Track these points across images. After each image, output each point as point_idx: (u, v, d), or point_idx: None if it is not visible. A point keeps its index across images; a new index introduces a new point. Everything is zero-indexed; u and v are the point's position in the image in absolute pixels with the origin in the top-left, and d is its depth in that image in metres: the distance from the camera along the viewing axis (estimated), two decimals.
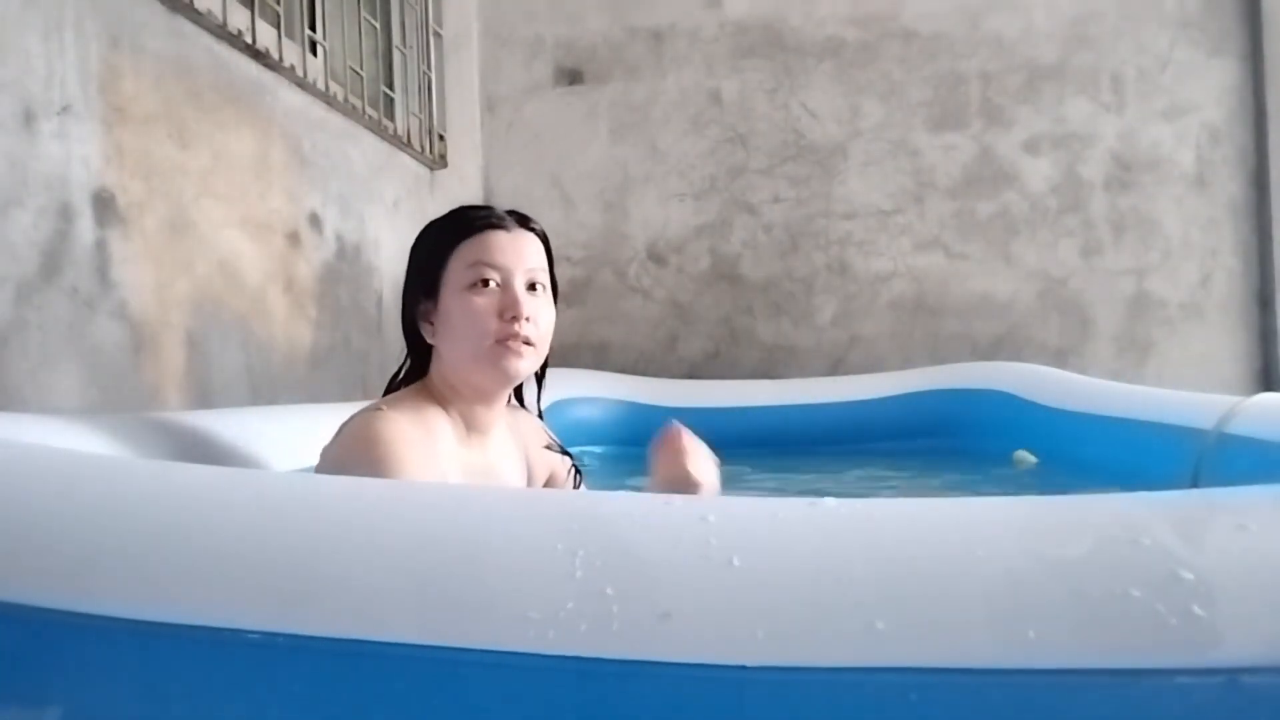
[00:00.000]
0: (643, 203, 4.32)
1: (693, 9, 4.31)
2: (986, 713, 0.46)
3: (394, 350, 3.26)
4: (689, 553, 0.52)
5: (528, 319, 1.24)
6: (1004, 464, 2.89)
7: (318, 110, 2.79)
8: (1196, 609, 0.47)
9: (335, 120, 2.90)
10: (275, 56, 2.49)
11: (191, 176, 2.14)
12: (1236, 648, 0.46)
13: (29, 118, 1.66)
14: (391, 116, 3.39)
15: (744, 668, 0.47)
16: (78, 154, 1.78)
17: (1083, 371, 3.80)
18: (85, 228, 1.79)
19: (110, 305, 1.86)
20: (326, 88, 2.84)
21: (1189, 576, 0.48)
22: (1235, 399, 2.06)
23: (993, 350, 4.15)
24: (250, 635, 0.51)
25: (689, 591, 0.50)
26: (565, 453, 1.51)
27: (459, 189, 4.03)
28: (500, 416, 1.37)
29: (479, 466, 1.32)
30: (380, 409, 1.23)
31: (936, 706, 0.46)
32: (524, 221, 1.32)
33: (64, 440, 1.14)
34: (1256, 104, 4.03)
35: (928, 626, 0.48)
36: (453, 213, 1.33)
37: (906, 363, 4.11)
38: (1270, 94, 3.96)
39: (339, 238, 2.89)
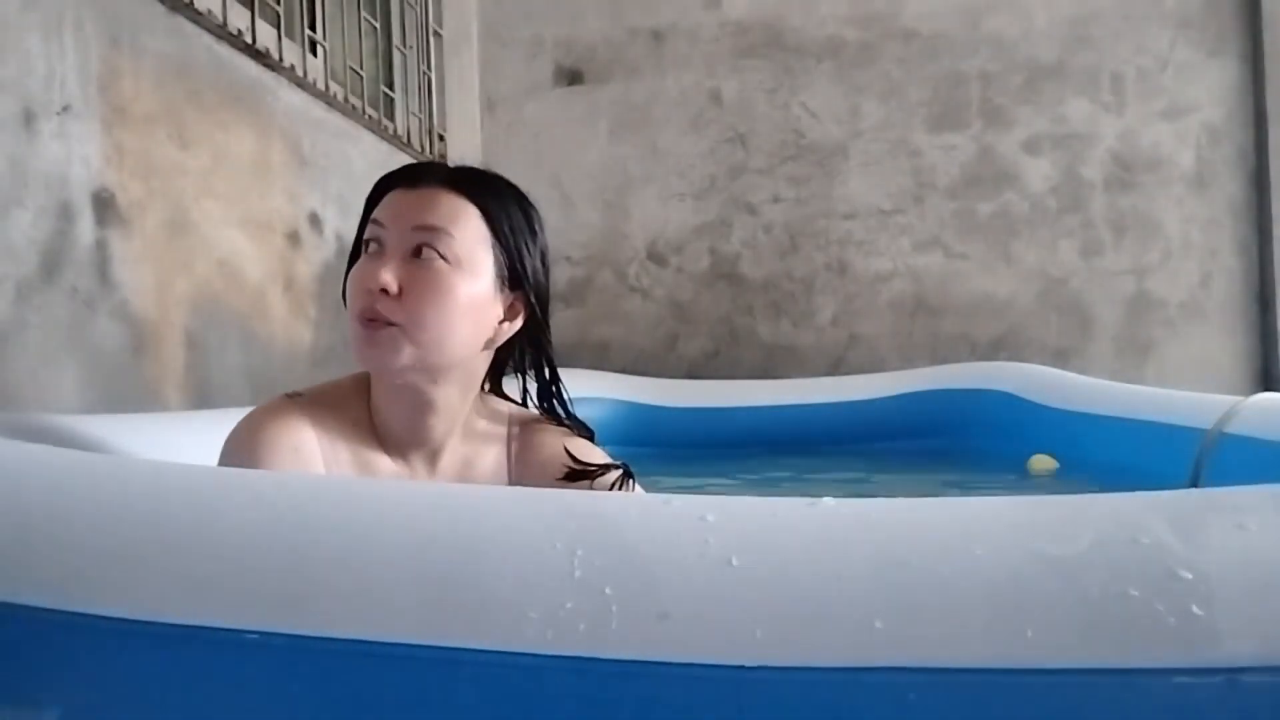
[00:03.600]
0: (643, 203, 4.32)
1: (693, 9, 4.31)
2: (985, 712, 0.46)
3: None
4: (688, 552, 0.52)
5: (385, 290, 0.96)
6: (1003, 464, 2.89)
7: (318, 110, 2.79)
8: (1195, 608, 0.47)
9: (335, 120, 2.90)
10: (275, 56, 2.49)
11: (191, 176, 2.14)
12: (1235, 647, 0.46)
13: (29, 118, 1.66)
14: (391, 116, 3.39)
15: (742, 667, 0.47)
16: (78, 154, 1.78)
17: (1083, 371, 3.79)
18: (85, 227, 1.79)
19: (110, 305, 1.86)
20: (326, 88, 2.84)
21: (1188, 576, 0.48)
22: (1235, 399, 2.06)
23: (993, 350, 4.15)
24: (249, 635, 0.51)
25: (688, 591, 0.50)
26: (601, 470, 1.10)
27: None
28: (454, 428, 1.08)
29: None
30: (281, 400, 1.07)
31: (935, 706, 0.46)
32: (453, 177, 1.04)
33: (64, 440, 1.14)
34: (1256, 104, 4.03)
35: (926, 626, 0.48)
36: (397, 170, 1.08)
37: (906, 363, 4.11)
38: (1270, 94, 3.96)
39: (339, 238, 2.89)
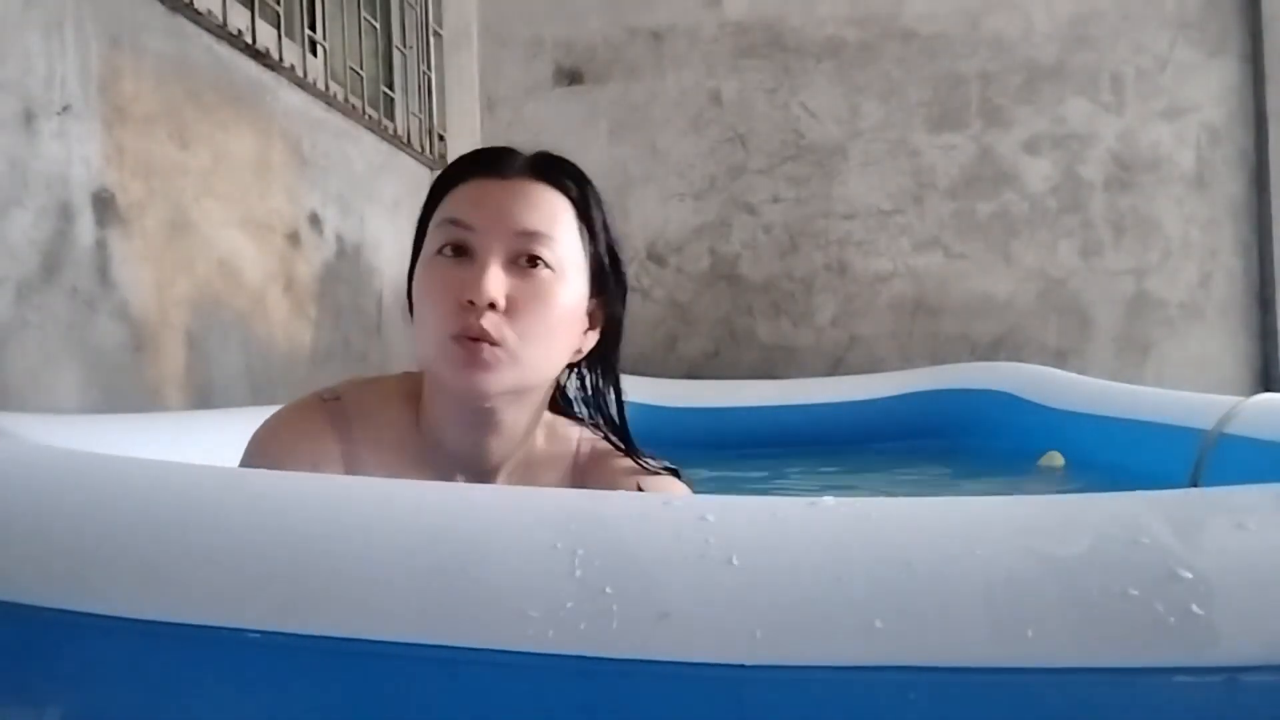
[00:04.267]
0: (642, 203, 4.32)
1: (693, 9, 4.31)
2: (985, 712, 0.46)
3: (394, 350, 3.27)
4: (688, 552, 0.52)
5: (493, 306, 0.84)
6: (1004, 464, 2.89)
7: (318, 110, 2.79)
8: (1195, 608, 0.47)
9: (335, 120, 2.90)
10: (275, 56, 2.49)
11: (191, 176, 2.14)
12: (1235, 646, 0.46)
13: (29, 118, 1.66)
14: (391, 116, 3.39)
15: (743, 666, 0.47)
16: (78, 154, 1.78)
17: (1082, 372, 3.80)
18: (85, 228, 1.79)
19: (110, 305, 1.86)
20: (326, 88, 2.84)
21: (1188, 575, 0.48)
22: (1235, 399, 2.06)
23: (992, 350, 4.15)
24: (250, 634, 0.51)
25: (688, 590, 0.50)
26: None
27: None
28: (515, 452, 0.95)
29: None
30: (311, 398, 0.95)
31: (935, 705, 0.46)
32: (540, 166, 0.92)
33: (64, 440, 1.14)
34: (1256, 104, 4.03)
35: (926, 625, 0.48)
36: (466, 156, 0.95)
37: (906, 363, 4.12)
38: (1270, 94, 3.96)
39: (339, 238, 2.89)
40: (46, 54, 1.70)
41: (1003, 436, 3.15)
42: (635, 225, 4.32)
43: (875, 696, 0.47)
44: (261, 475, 0.68)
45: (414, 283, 0.92)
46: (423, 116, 3.63)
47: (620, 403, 0.99)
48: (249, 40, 2.34)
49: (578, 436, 1.01)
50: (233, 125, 2.34)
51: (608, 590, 0.50)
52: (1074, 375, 3.45)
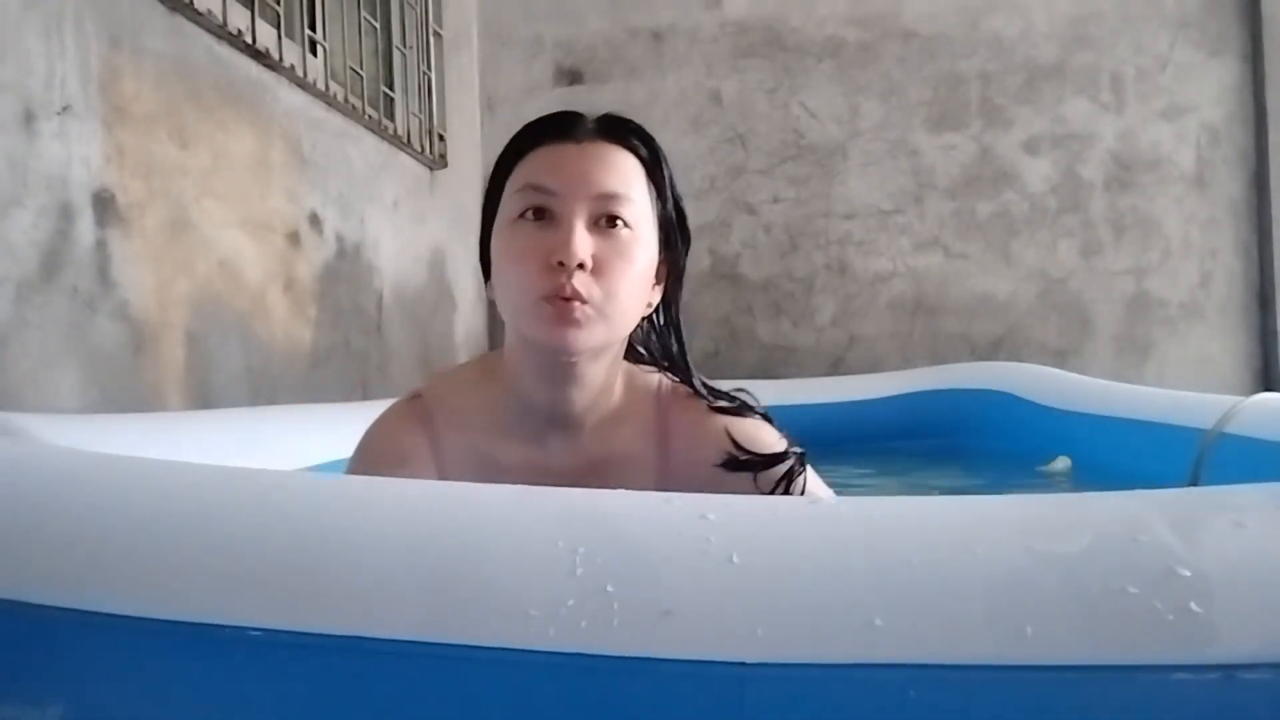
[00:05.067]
0: None
1: (693, 9, 4.31)
2: (985, 709, 0.46)
3: (394, 350, 3.27)
4: (689, 550, 0.52)
5: (581, 266, 0.87)
6: (1004, 463, 2.89)
7: (318, 110, 2.79)
8: (1194, 605, 0.47)
9: (335, 120, 2.90)
10: (275, 56, 2.49)
11: (191, 176, 2.14)
12: (1234, 644, 0.46)
13: (29, 118, 1.66)
14: (391, 116, 3.39)
15: (743, 664, 0.47)
16: (78, 154, 1.78)
17: (1083, 371, 3.80)
18: (85, 228, 1.79)
19: (110, 305, 1.86)
20: (326, 88, 2.84)
21: (1186, 573, 0.49)
22: (1235, 399, 2.06)
23: (992, 350, 4.15)
24: (251, 632, 0.52)
25: (689, 589, 0.50)
26: (770, 461, 0.98)
27: (459, 189, 4.04)
28: (598, 403, 0.98)
29: (547, 470, 0.96)
30: (404, 400, 1.02)
31: (935, 703, 0.46)
32: (611, 129, 0.95)
33: (64, 440, 1.14)
34: (1256, 104, 4.03)
35: (926, 623, 0.48)
36: (528, 123, 0.97)
37: (906, 363, 4.12)
38: (1270, 94, 3.97)
39: (339, 238, 2.90)
40: (46, 54, 1.70)
41: (1003, 436, 3.16)
42: None
43: (876, 694, 0.47)
44: (261, 475, 0.68)
45: (494, 248, 0.95)
46: (423, 116, 3.63)
47: (684, 349, 1.03)
48: (249, 40, 2.35)
49: (656, 383, 1.04)
50: (233, 125, 2.34)
51: (609, 588, 0.50)
52: (1074, 375, 3.45)
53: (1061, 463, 2.56)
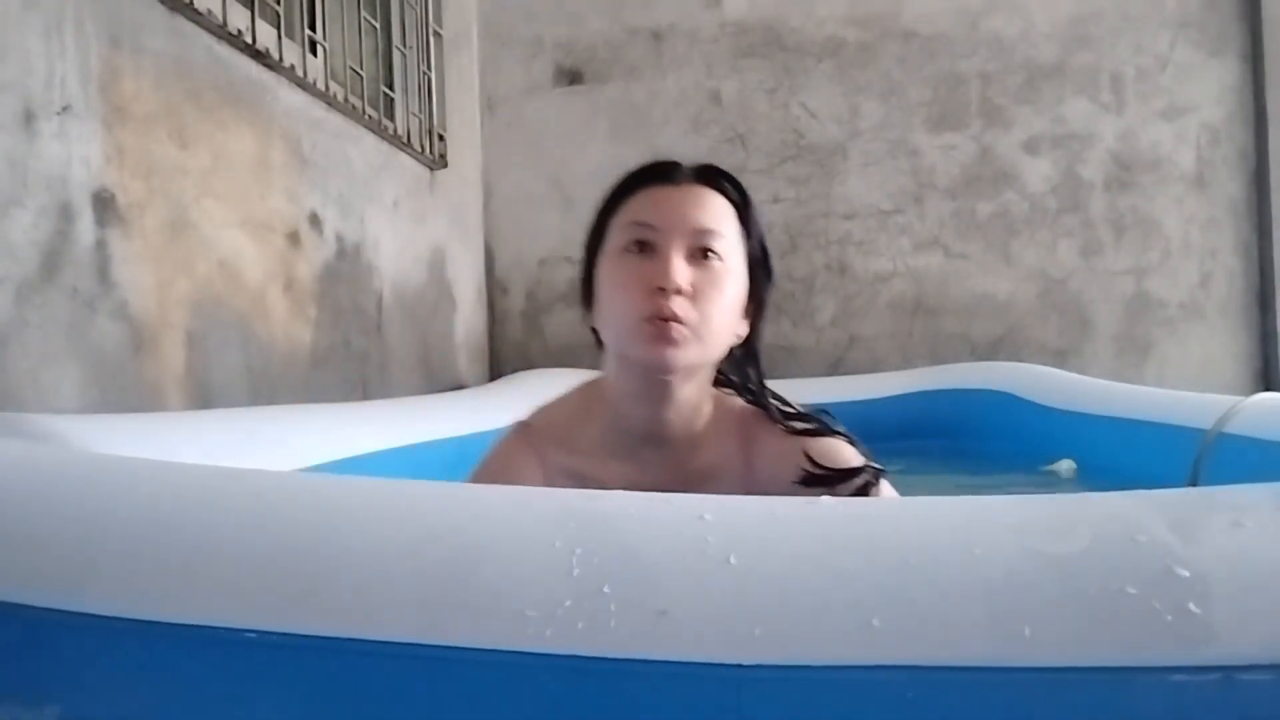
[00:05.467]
0: None
1: (693, 9, 4.31)
2: (983, 711, 0.46)
3: (393, 350, 3.27)
4: (686, 551, 0.52)
5: (680, 291, 0.97)
6: (1004, 464, 2.89)
7: (318, 110, 2.79)
8: (1193, 606, 0.47)
9: (335, 120, 2.90)
10: (275, 56, 2.49)
11: (191, 176, 2.14)
12: (1232, 645, 0.46)
13: (29, 118, 1.66)
14: (391, 116, 3.39)
15: (741, 666, 0.47)
16: (78, 154, 1.78)
17: (1082, 371, 3.80)
18: (85, 228, 1.79)
19: (110, 305, 1.86)
20: (326, 88, 2.84)
21: (1185, 574, 0.49)
22: (1234, 399, 2.06)
23: (992, 350, 4.15)
24: (247, 634, 0.51)
25: (686, 589, 0.50)
26: (844, 476, 1.05)
27: (459, 189, 4.04)
28: (690, 424, 1.07)
29: (645, 488, 0.95)
30: (513, 432, 1.11)
31: (933, 704, 0.46)
32: (706, 175, 1.07)
33: (64, 440, 1.14)
34: (1256, 104, 4.03)
35: (924, 624, 0.48)
36: (640, 167, 1.09)
37: (906, 363, 4.12)
38: (1270, 94, 3.96)
39: (339, 238, 2.89)
40: (46, 54, 1.70)
41: (1002, 436, 3.16)
42: None
43: (873, 695, 0.47)
44: (260, 476, 0.68)
45: (600, 277, 1.06)
46: (423, 116, 3.63)
47: (762, 378, 1.12)
48: (249, 40, 2.34)
49: (740, 406, 1.12)
50: (233, 125, 2.34)
51: (606, 589, 0.50)
52: (1074, 375, 3.45)
53: (1066, 465, 2.55)
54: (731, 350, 1.09)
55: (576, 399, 1.15)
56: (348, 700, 0.50)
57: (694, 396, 1.06)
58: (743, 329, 1.08)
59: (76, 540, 0.60)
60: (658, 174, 1.06)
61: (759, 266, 1.08)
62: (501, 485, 0.92)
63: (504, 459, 1.10)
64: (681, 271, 0.98)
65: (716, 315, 1.01)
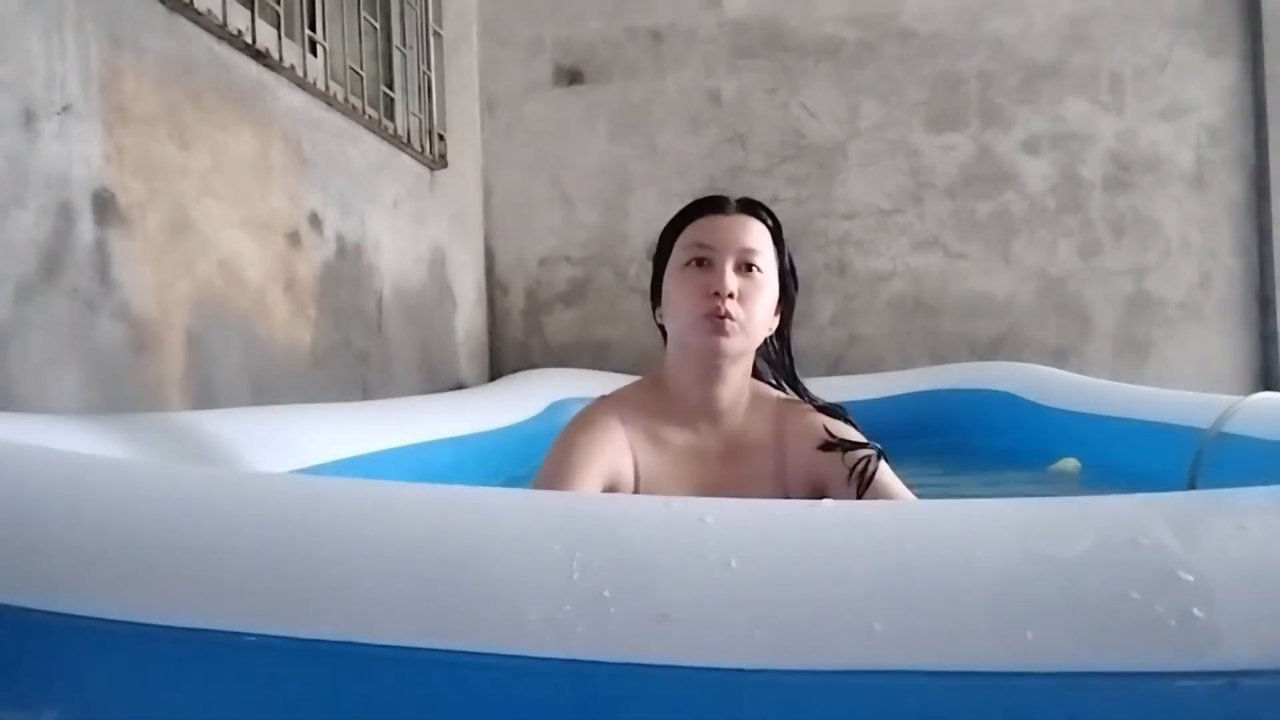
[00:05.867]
0: (643, 203, 4.32)
1: (692, 9, 4.31)
2: (985, 715, 0.46)
3: (394, 350, 3.26)
4: (687, 554, 0.52)
5: (731, 295, 1.26)
6: (1004, 464, 2.89)
7: (318, 110, 2.78)
8: (1196, 610, 0.47)
9: (335, 120, 2.90)
10: (275, 56, 2.49)
11: (192, 176, 2.14)
12: (1236, 650, 0.46)
13: (29, 118, 1.66)
14: (391, 116, 3.39)
15: (742, 670, 0.47)
16: (78, 154, 1.77)
17: (1082, 371, 3.80)
18: (86, 228, 1.79)
19: (111, 305, 1.86)
20: (326, 88, 2.84)
21: (1188, 578, 0.48)
22: (1234, 399, 2.06)
23: (992, 350, 4.15)
24: (247, 638, 0.51)
25: (687, 593, 0.50)
26: (855, 446, 1.32)
27: (459, 189, 4.03)
28: (735, 401, 1.34)
29: (701, 450, 1.32)
30: (597, 401, 1.35)
31: (934, 709, 0.46)
32: (748, 207, 1.35)
33: (64, 440, 1.14)
34: (1256, 104, 4.03)
35: (926, 628, 0.48)
36: (689, 203, 1.40)
37: (906, 362, 4.12)
38: (1270, 94, 3.96)
39: (339, 238, 2.89)
40: (46, 54, 1.70)
41: (1003, 436, 3.15)
42: (635, 225, 4.32)
43: (874, 700, 0.46)
44: (259, 478, 0.68)
45: (667, 287, 1.34)
46: (423, 116, 3.62)
47: (793, 363, 1.45)
48: (249, 40, 2.34)
49: (775, 393, 1.42)
50: (233, 125, 2.33)
51: (606, 593, 0.50)
52: (1073, 375, 3.45)
53: (1070, 464, 2.55)
54: (767, 340, 1.38)
55: (645, 382, 1.40)
56: (347, 704, 0.50)
57: (738, 379, 1.33)
58: (774, 323, 1.38)
59: (75, 542, 0.59)
60: (711, 206, 1.34)
61: (788, 275, 1.37)
62: (589, 442, 1.26)
63: (589, 419, 1.31)
64: (731, 281, 1.26)
65: (758, 313, 1.29)
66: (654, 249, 1.41)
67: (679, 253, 1.33)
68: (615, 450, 1.29)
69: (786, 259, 1.38)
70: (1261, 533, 0.52)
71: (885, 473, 1.30)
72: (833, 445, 1.30)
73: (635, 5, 4.33)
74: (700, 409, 1.33)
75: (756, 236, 1.31)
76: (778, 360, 1.45)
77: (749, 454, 1.34)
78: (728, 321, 1.26)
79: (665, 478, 1.31)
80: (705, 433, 1.34)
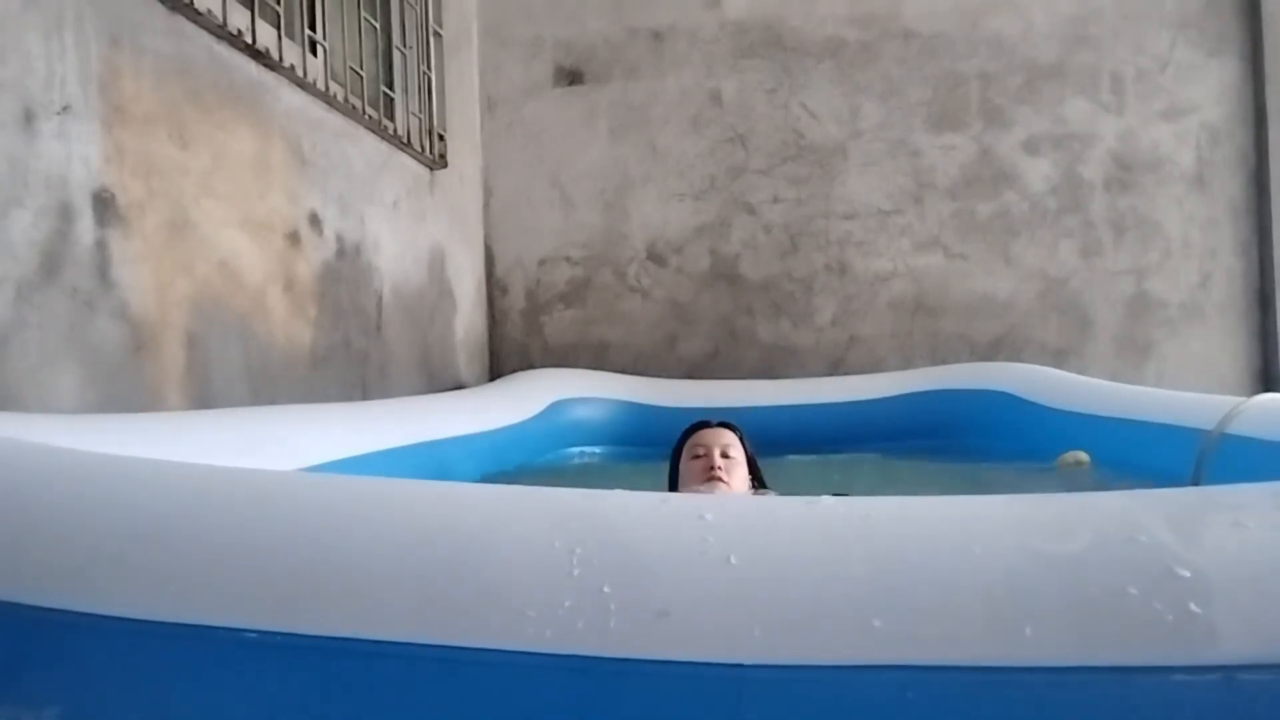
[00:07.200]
0: (642, 203, 4.32)
1: (693, 9, 4.31)
2: (983, 710, 0.46)
3: (393, 350, 3.27)
4: (686, 551, 0.52)
5: (717, 468, 2.06)
6: (1004, 464, 2.89)
7: (318, 110, 2.79)
8: (1193, 606, 0.47)
9: (335, 120, 2.90)
10: (275, 56, 2.49)
11: (191, 176, 2.14)
12: (1233, 645, 0.46)
13: (29, 118, 1.66)
14: (391, 116, 3.39)
15: (741, 665, 0.47)
16: (78, 154, 1.78)
17: (1083, 372, 3.80)
18: (85, 228, 1.79)
19: (110, 305, 1.86)
20: (326, 88, 2.84)
21: (1186, 574, 0.48)
22: (1236, 399, 2.06)
23: (992, 350, 4.15)
24: (247, 634, 0.51)
25: (686, 589, 0.50)
26: None
27: (459, 189, 4.03)
28: None
29: None
30: None
31: (933, 704, 0.46)
32: (723, 424, 2.21)
33: (64, 440, 1.14)
34: (1256, 104, 4.03)
35: (925, 624, 0.48)
36: (691, 425, 2.25)
37: (906, 363, 4.12)
38: (1270, 94, 3.96)
39: (339, 238, 2.89)
40: (46, 54, 1.70)
41: (1003, 436, 3.15)
42: (635, 225, 4.32)
43: (873, 695, 0.46)
44: (259, 476, 0.68)
45: (681, 472, 2.14)
46: (423, 116, 3.63)
47: (765, 487, 2.21)
48: (249, 40, 2.34)
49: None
50: (233, 125, 2.34)
51: (606, 589, 0.50)
52: (1074, 375, 3.45)
53: (1076, 457, 2.55)
54: (753, 488, 2.17)
55: None
56: (348, 700, 0.50)
57: None
58: (747, 484, 2.12)
59: (76, 540, 0.59)
60: (704, 425, 2.20)
61: (753, 460, 2.19)
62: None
63: None
64: (718, 461, 2.07)
65: (736, 479, 2.06)
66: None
67: (686, 452, 2.15)
68: None
69: (749, 449, 2.19)
70: (1258, 529, 0.52)
71: None
72: None
73: (636, 5, 4.33)
74: None
75: (730, 439, 2.14)
76: (759, 485, 2.21)
77: None
78: (719, 483, 2.02)
79: None
80: None
